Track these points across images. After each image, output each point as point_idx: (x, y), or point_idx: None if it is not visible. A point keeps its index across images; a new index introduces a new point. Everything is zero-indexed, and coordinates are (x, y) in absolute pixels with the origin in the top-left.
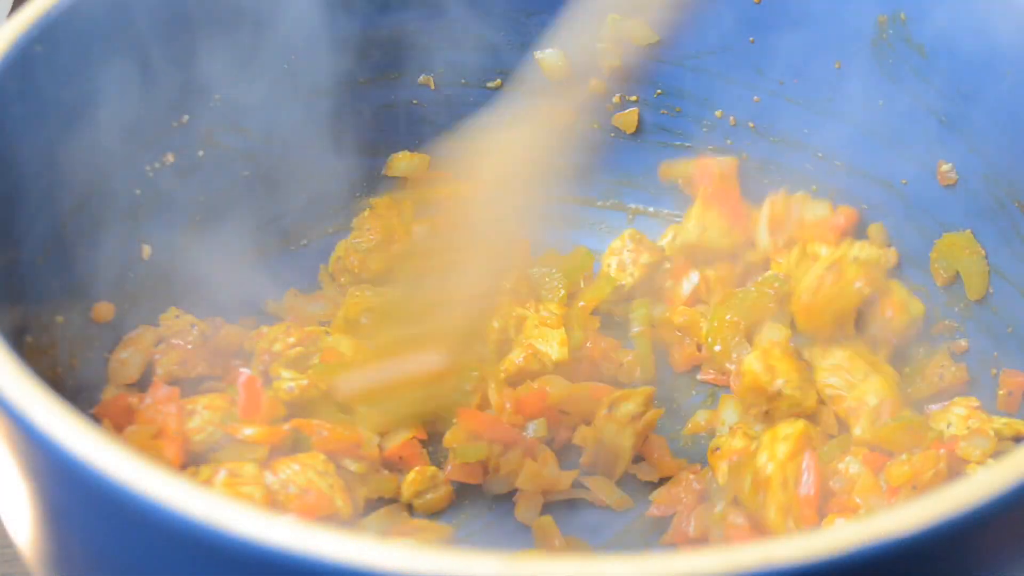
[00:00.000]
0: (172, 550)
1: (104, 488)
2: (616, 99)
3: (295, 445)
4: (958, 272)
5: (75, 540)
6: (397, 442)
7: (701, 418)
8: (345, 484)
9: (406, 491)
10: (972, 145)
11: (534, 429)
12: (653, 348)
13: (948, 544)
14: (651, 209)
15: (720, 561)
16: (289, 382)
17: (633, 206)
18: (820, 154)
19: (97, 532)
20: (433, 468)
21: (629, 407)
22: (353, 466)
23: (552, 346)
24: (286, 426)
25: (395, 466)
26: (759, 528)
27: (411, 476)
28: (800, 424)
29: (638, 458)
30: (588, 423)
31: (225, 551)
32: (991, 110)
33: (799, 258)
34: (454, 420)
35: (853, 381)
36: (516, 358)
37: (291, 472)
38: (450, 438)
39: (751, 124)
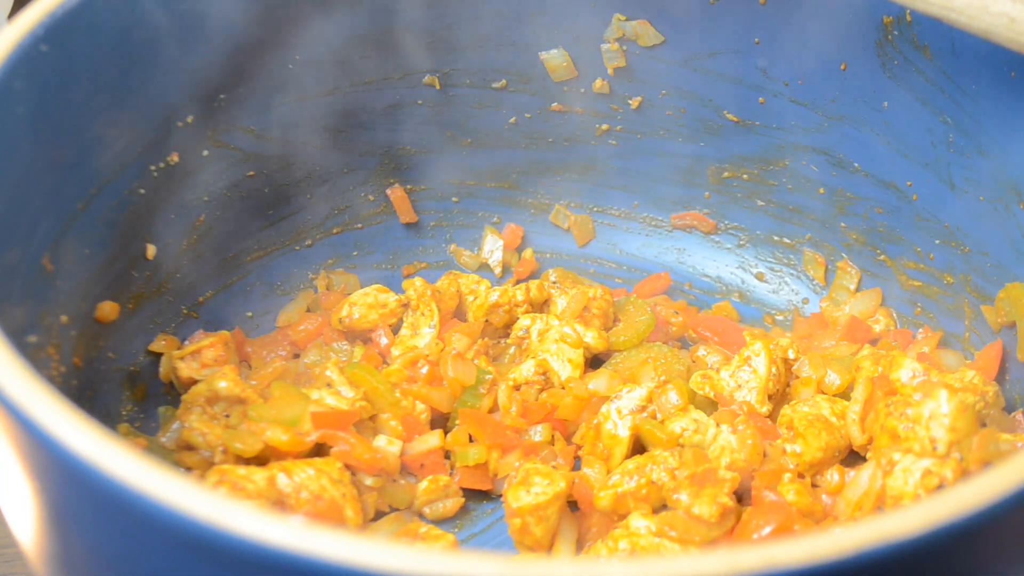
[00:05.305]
0: (175, 550)
1: (108, 488)
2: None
3: (316, 449)
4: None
5: (78, 540)
6: (423, 449)
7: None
8: (357, 494)
9: (419, 500)
10: (978, 146)
11: (539, 433)
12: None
13: (951, 546)
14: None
15: (721, 562)
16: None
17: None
18: (826, 156)
19: (100, 532)
20: (447, 478)
21: (632, 399)
22: (369, 480)
23: (564, 364)
24: (311, 437)
25: (413, 472)
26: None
27: (425, 485)
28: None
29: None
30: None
31: (228, 551)
32: (997, 111)
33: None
34: (457, 422)
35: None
36: (526, 370)
37: (305, 476)
38: (451, 440)
39: (756, 124)
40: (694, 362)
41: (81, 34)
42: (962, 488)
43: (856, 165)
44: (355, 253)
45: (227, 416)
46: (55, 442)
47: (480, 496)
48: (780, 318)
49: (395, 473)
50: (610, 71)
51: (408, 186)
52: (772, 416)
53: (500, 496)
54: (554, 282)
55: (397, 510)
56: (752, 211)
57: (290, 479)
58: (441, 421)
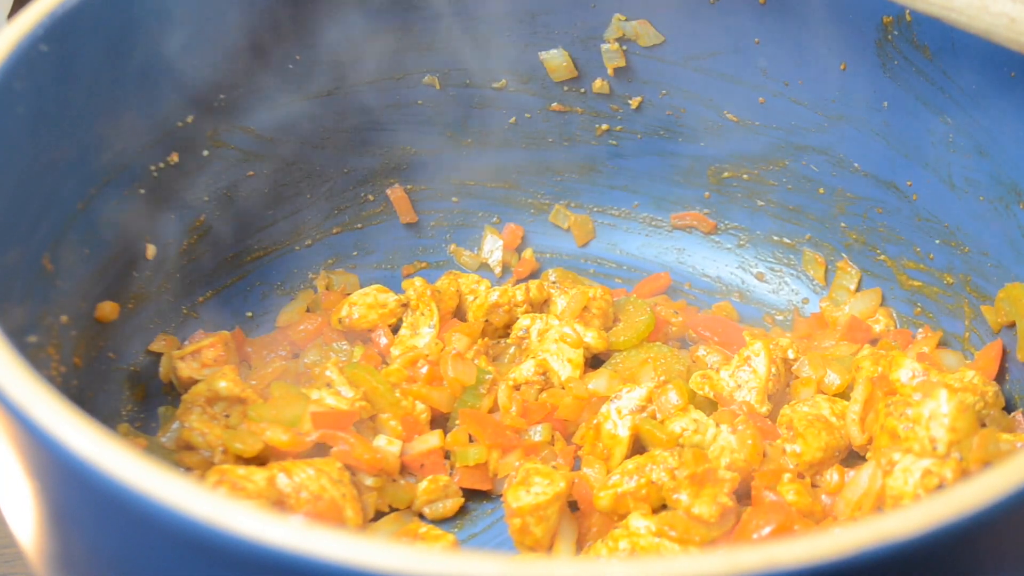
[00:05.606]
0: (175, 550)
1: (108, 488)
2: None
3: (316, 449)
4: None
5: (78, 540)
6: (423, 449)
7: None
8: (357, 494)
9: (419, 500)
10: (978, 146)
11: (539, 433)
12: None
13: (951, 546)
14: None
15: (721, 562)
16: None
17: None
18: (826, 156)
19: (100, 532)
20: (447, 478)
21: (632, 399)
22: (369, 480)
23: (564, 365)
24: (311, 436)
25: (413, 472)
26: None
27: (425, 485)
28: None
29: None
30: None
31: (228, 551)
32: (997, 111)
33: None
34: (458, 422)
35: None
36: (526, 370)
37: (305, 476)
38: (451, 440)
39: (756, 123)
40: (694, 362)
41: (81, 34)
42: (962, 488)
43: (856, 165)
44: (355, 253)
45: (227, 416)
46: (55, 442)
47: (480, 496)
48: (780, 318)
49: (395, 473)
50: (610, 71)
51: (408, 186)
52: (772, 416)
53: (500, 496)
54: (554, 282)
55: (397, 510)
56: (752, 211)
57: (290, 479)
58: (441, 421)
